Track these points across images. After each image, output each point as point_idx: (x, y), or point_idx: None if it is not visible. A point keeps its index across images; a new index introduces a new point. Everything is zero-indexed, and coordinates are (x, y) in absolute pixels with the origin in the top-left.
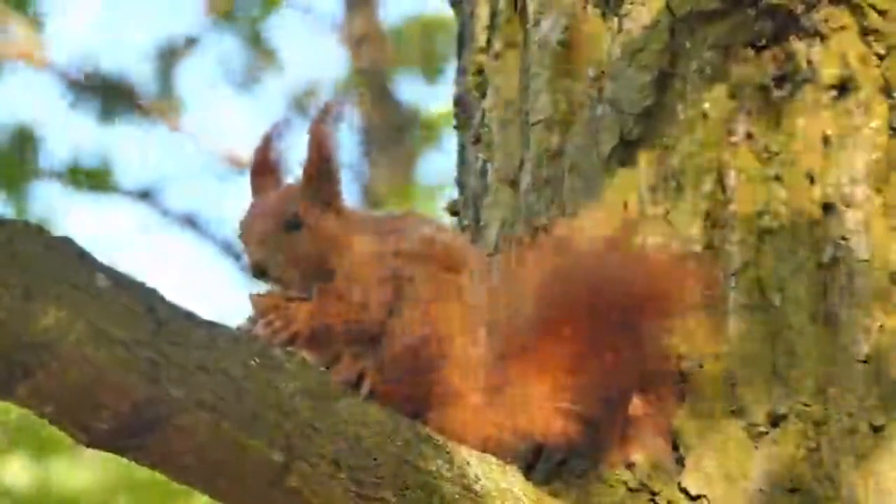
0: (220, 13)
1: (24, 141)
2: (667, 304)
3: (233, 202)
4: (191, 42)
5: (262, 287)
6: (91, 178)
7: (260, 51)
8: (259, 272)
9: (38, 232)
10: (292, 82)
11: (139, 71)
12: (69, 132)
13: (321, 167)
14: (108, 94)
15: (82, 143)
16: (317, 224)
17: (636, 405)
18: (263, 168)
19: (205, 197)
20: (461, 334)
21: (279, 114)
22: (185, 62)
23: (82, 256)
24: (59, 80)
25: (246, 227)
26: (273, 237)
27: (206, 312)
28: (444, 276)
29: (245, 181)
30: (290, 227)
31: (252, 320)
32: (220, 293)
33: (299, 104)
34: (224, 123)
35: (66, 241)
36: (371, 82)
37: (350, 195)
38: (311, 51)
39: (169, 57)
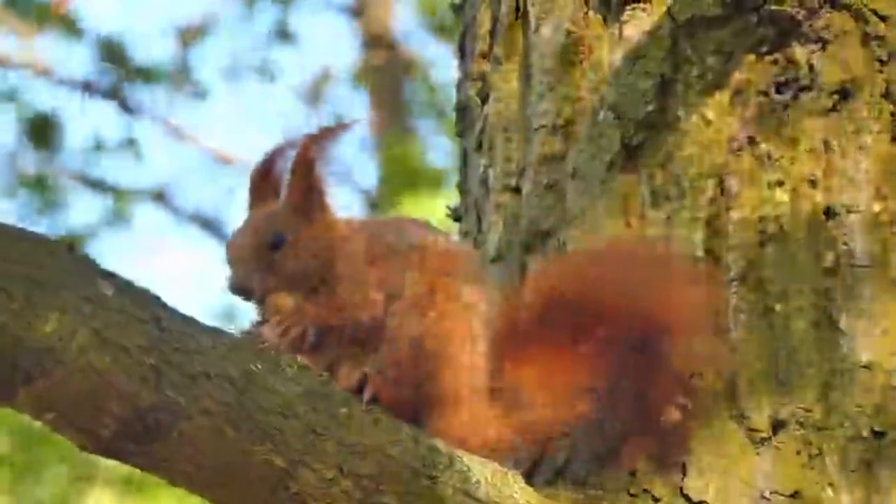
0: None
1: (45, 129)
2: (680, 314)
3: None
4: (206, 26)
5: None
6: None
7: (279, 34)
8: (240, 292)
9: (42, 238)
10: (307, 67)
11: (158, 58)
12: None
13: (306, 184)
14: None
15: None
16: (303, 240)
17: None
18: (265, 184)
19: (214, 197)
20: (461, 338)
21: (293, 100)
22: (203, 46)
23: (86, 262)
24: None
25: (229, 247)
26: (254, 257)
27: (214, 314)
28: (442, 279)
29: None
30: (272, 245)
31: (258, 322)
32: (224, 295)
33: (312, 92)
34: (235, 112)
35: (70, 247)
36: (381, 81)
37: (350, 199)
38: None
39: (187, 40)
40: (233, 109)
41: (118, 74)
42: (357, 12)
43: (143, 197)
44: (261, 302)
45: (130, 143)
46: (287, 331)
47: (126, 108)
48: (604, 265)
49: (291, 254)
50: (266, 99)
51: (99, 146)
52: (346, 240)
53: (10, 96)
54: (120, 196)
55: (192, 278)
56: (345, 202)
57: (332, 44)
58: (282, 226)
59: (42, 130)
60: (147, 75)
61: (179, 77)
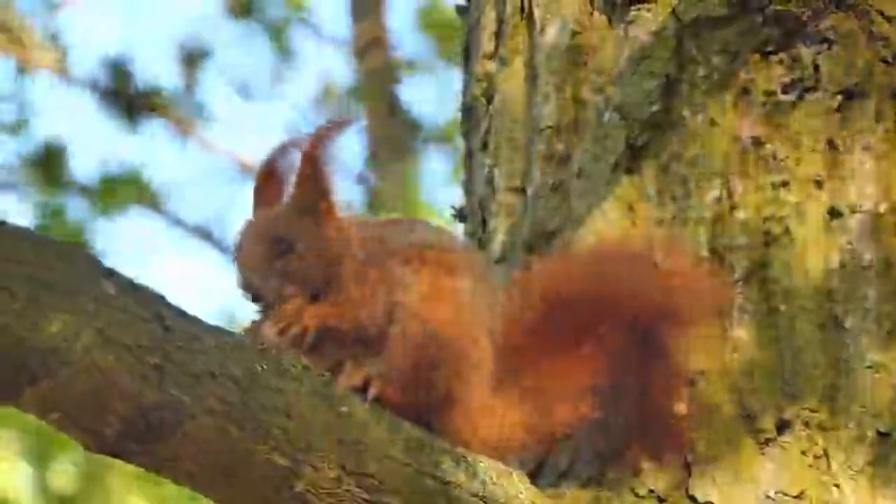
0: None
1: (52, 153)
2: (683, 314)
3: (244, 210)
4: (207, 51)
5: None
6: (120, 188)
7: (280, 53)
8: (251, 297)
9: (46, 238)
10: (306, 88)
11: (161, 76)
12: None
13: (312, 185)
14: (129, 103)
15: (107, 153)
16: (312, 242)
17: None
18: (268, 183)
19: (217, 205)
20: (465, 339)
21: (293, 119)
22: (205, 67)
23: (90, 263)
24: (80, 90)
25: (238, 250)
26: (263, 261)
27: (215, 319)
28: (444, 279)
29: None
30: (279, 249)
31: (258, 322)
32: (229, 300)
33: (313, 108)
34: (239, 130)
35: (74, 248)
36: (377, 89)
37: (354, 203)
38: (321, 59)
39: (189, 61)
40: (238, 117)
41: (123, 99)
42: (354, 50)
43: (145, 200)
44: (272, 305)
45: (139, 177)
46: (286, 330)
47: (131, 118)
48: (606, 260)
49: (297, 256)
50: (269, 115)
51: (106, 172)
52: (349, 240)
53: (15, 127)
54: (120, 198)
55: (193, 283)
56: (345, 199)
57: (327, 60)
58: (287, 228)
59: (49, 161)
60: (152, 101)
61: (185, 101)
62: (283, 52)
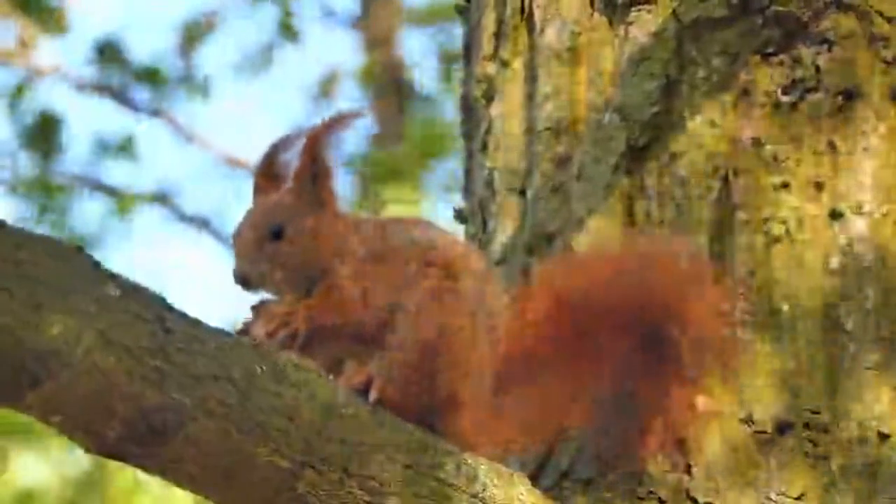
0: None
1: (49, 127)
2: (685, 313)
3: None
4: (211, 23)
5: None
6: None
7: (283, 33)
8: (242, 282)
9: (48, 240)
10: (310, 71)
11: (160, 56)
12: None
13: (313, 172)
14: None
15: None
16: (304, 229)
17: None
18: (268, 175)
19: (217, 199)
20: (469, 340)
21: (297, 103)
22: (206, 45)
23: (91, 265)
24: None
25: (234, 237)
26: (256, 246)
27: (218, 316)
28: (445, 280)
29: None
30: (273, 235)
31: (249, 322)
32: (231, 297)
33: (318, 92)
34: (240, 114)
35: (75, 250)
36: (386, 81)
37: (355, 199)
38: (329, 44)
39: (190, 40)
40: (239, 110)
41: (120, 73)
42: (360, 26)
43: (148, 199)
44: (263, 291)
45: (131, 144)
46: (276, 332)
47: (129, 105)
48: (613, 262)
49: (288, 240)
50: (272, 99)
51: (103, 147)
52: (348, 234)
53: (13, 96)
54: (123, 199)
55: (198, 282)
56: (346, 195)
57: (334, 49)
58: (283, 214)
59: (45, 130)
60: (149, 74)
61: (184, 78)
62: (288, 32)
